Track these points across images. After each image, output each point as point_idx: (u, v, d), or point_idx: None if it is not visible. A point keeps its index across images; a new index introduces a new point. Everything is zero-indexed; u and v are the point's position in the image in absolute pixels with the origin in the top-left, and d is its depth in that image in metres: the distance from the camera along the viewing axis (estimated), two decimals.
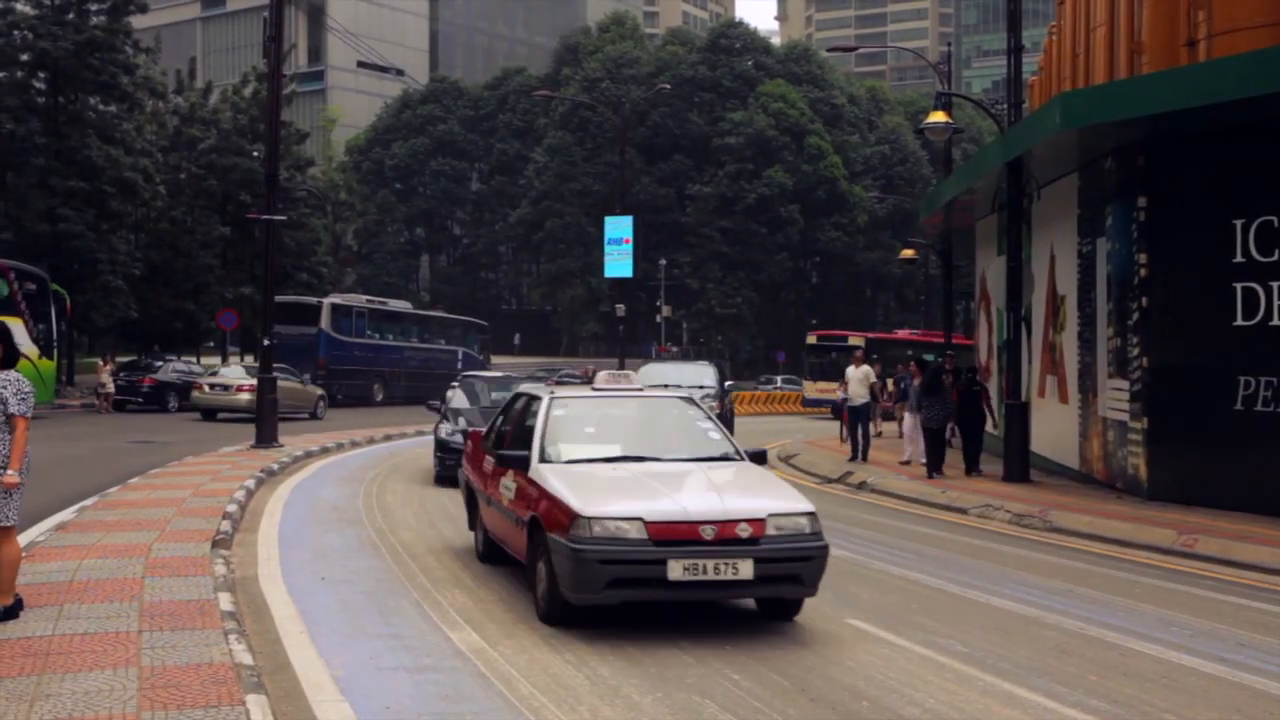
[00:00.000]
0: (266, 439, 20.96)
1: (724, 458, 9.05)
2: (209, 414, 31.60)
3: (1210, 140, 14.62)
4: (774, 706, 6.31)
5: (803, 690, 6.63)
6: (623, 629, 7.96)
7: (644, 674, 6.89)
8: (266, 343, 22.25)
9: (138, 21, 43.26)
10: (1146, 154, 15.32)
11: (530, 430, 9.17)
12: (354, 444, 23.56)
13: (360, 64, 38.71)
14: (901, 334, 47.70)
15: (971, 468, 18.72)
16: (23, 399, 7.35)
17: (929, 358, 26.33)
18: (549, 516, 7.89)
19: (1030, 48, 25.78)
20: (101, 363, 36.42)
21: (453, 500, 14.93)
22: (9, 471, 7.26)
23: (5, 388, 7.33)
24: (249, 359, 46.81)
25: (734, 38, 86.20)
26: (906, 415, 20.73)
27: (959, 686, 6.79)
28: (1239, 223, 14.16)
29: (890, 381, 29.71)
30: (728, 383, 31.15)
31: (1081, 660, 7.47)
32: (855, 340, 44.59)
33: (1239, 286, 14.16)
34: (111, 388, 34.15)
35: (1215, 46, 16.82)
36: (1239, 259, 14.16)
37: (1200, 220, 14.72)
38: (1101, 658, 7.57)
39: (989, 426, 19.38)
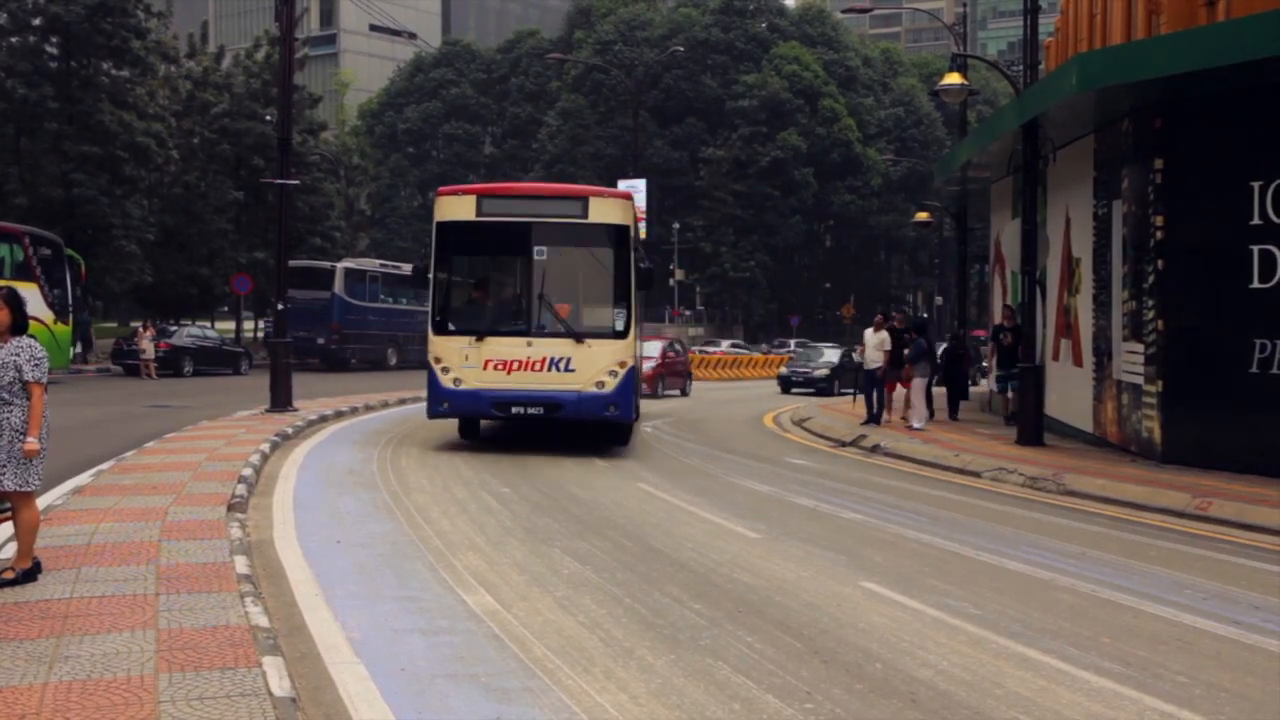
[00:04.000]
0: (281, 403, 21.04)
1: None
2: None
3: (1228, 101, 14.49)
4: (786, 668, 6.34)
5: (815, 652, 6.66)
6: (636, 592, 8.00)
7: (657, 636, 6.93)
8: (280, 307, 22.29)
9: None
10: (1164, 115, 15.19)
11: None
12: (368, 408, 23.63)
13: (373, 27, 38.62)
14: None
15: (954, 414, 22.89)
16: (36, 364, 7.37)
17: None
18: None
19: (1047, 8, 25.57)
20: (141, 329, 36.62)
21: (466, 463, 14.99)
22: (29, 438, 7.30)
23: (19, 354, 7.35)
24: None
25: None
26: (915, 380, 20.62)
27: (972, 649, 6.81)
28: (1256, 185, 14.06)
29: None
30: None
31: (1095, 623, 7.48)
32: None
33: (1255, 249, 14.08)
34: (152, 353, 34.29)
35: (1234, 6, 16.66)
36: (1256, 221, 14.07)
37: (1217, 182, 14.62)
38: (1115, 620, 7.58)
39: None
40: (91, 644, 6.10)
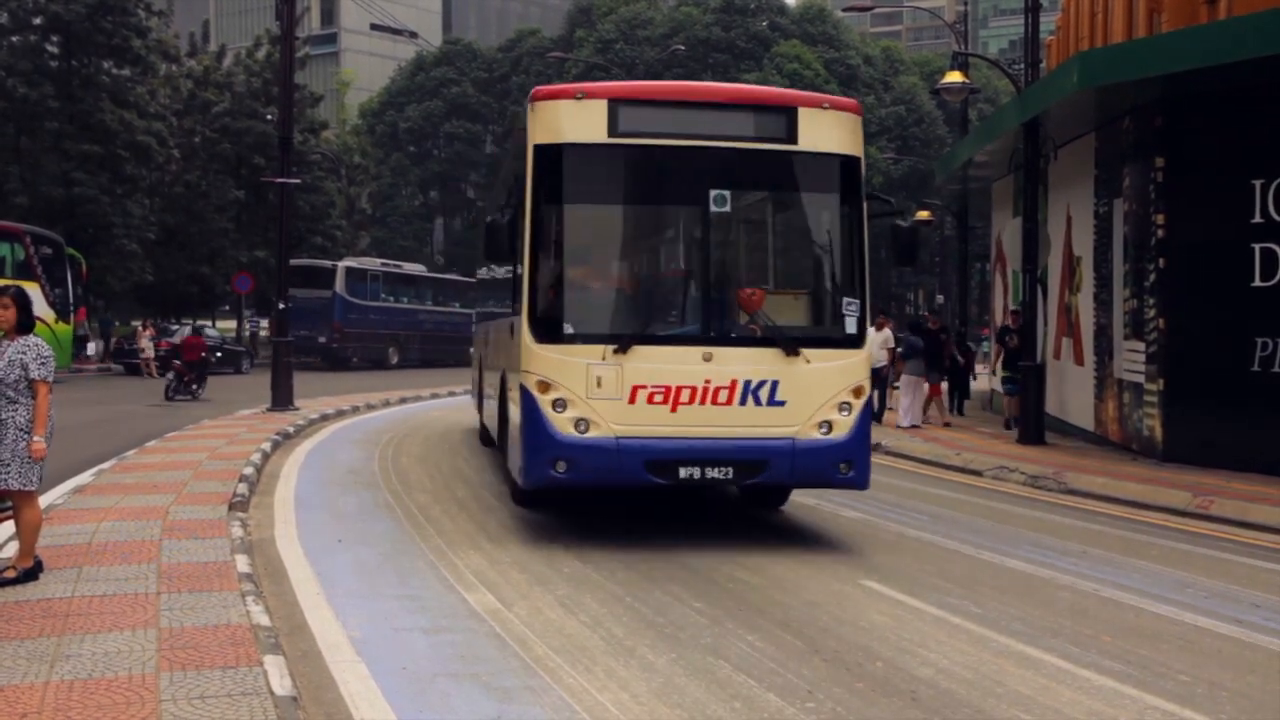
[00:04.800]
0: (282, 402, 21.04)
1: None
2: None
3: (1229, 100, 14.48)
4: (788, 667, 6.34)
5: (816, 651, 6.66)
6: (637, 591, 8.00)
7: (659, 635, 6.92)
8: (281, 306, 22.30)
9: None
10: (1164, 114, 15.19)
11: None
12: (369, 407, 23.63)
13: (374, 26, 38.56)
14: None
15: (957, 411, 23.64)
16: (43, 363, 7.38)
17: None
18: None
19: (1048, 6, 25.54)
20: (141, 328, 36.70)
21: (467, 462, 15.00)
22: (35, 438, 7.31)
23: (25, 353, 7.36)
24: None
25: None
26: (905, 376, 20.53)
27: (973, 648, 6.81)
28: (1258, 183, 14.06)
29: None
30: None
31: (1095, 621, 7.48)
32: None
33: (1257, 247, 14.08)
34: (151, 353, 34.34)
35: (1235, 4, 16.65)
36: (1257, 219, 14.07)
37: (1218, 181, 14.61)
38: (1116, 619, 7.58)
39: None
40: (93, 643, 6.10)
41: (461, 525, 10.51)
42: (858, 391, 9.69)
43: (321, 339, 40.97)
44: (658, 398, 9.32)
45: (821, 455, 9.55)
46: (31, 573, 7.41)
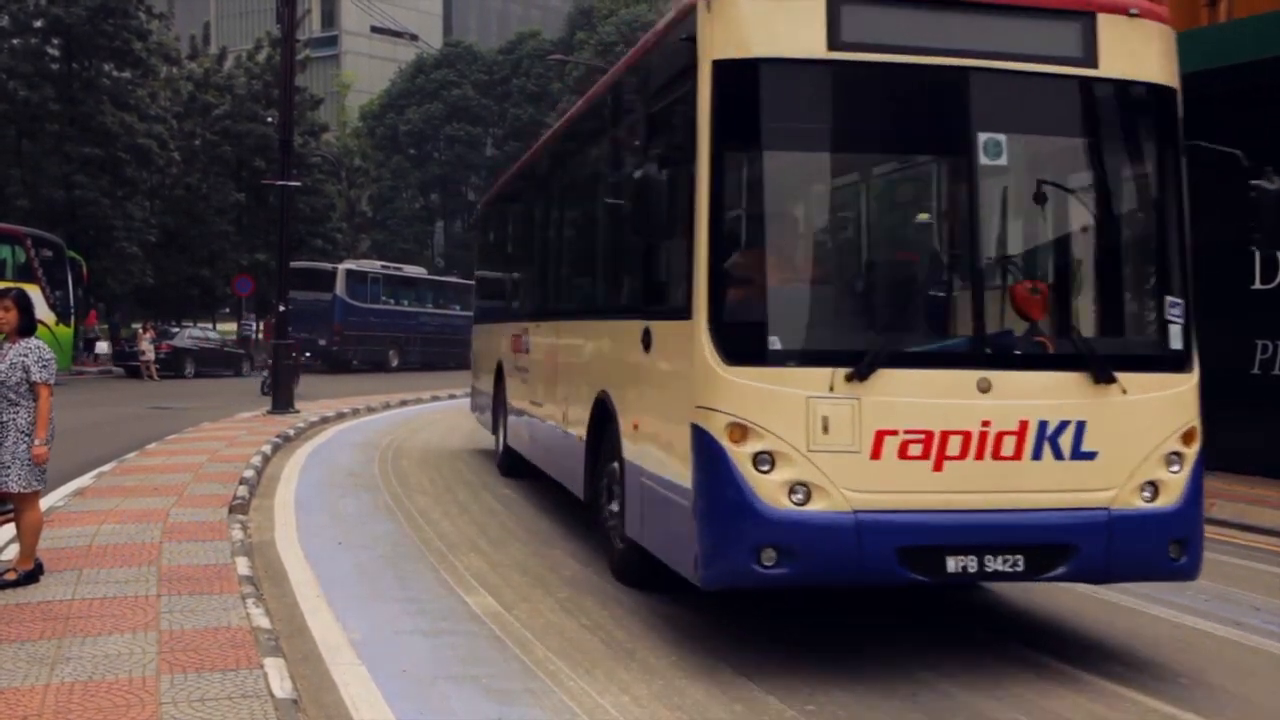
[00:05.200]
0: (282, 405, 21.04)
1: None
2: None
3: (1229, 102, 14.47)
4: (787, 668, 6.33)
5: (815, 652, 6.66)
6: (637, 595, 7.99)
7: (659, 637, 6.92)
8: (282, 309, 22.31)
9: None
10: None
11: None
12: (369, 409, 23.63)
13: (374, 29, 38.63)
14: None
15: None
16: (44, 366, 7.39)
17: None
18: None
19: None
20: (141, 330, 36.76)
21: (468, 465, 15.00)
22: (37, 442, 7.32)
23: (26, 355, 7.37)
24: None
25: None
26: None
27: (973, 649, 6.79)
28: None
29: None
30: None
31: (1096, 624, 7.48)
32: None
33: (1257, 250, 14.07)
34: (152, 355, 34.39)
35: (1236, 7, 16.64)
36: None
37: (1219, 183, 14.59)
38: (1116, 621, 7.58)
39: None
40: (93, 645, 6.10)
41: (462, 528, 10.51)
42: (1188, 436, 6.66)
43: (322, 341, 41.04)
44: (915, 450, 6.06)
45: (1147, 532, 6.35)
46: (32, 575, 7.42)
